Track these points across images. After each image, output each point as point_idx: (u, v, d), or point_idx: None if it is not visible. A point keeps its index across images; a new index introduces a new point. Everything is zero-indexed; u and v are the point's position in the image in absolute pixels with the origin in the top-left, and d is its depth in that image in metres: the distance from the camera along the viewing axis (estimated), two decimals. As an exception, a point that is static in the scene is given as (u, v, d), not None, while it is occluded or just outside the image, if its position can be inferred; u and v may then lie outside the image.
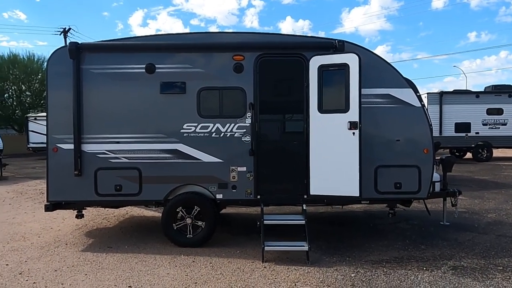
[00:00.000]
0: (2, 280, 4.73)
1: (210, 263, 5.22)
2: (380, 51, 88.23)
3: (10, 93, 35.34)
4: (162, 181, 5.85)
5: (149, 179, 5.85)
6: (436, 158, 6.81)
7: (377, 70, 5.91)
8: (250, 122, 5.84)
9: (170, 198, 5.86)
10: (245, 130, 5.85)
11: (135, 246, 5.93)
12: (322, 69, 5.71)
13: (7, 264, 5.25)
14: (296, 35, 6.01)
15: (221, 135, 5.86)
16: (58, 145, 5.81)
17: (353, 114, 5.58)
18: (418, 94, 6.09)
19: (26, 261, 5.35)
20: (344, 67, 5.61)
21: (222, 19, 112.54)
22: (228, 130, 5.84)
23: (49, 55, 5.86)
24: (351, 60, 5.58)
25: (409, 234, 6.62)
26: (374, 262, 5.24)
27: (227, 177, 5.86)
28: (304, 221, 5.47)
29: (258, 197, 5.87)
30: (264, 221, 5.49)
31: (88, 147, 5.82)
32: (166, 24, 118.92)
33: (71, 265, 5.18)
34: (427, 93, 18.08)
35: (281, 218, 5.68)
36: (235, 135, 5.84)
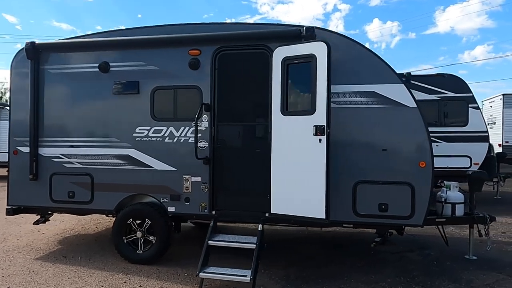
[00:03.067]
0: None
1: (140, 286, 4.56)
2: (480, 51, 79.25)
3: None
4: (114, 189, 5.36)
5: (101, 187, 5.40)
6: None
7: (358, 62, 4.76)
8: (206, 125, 5.09)
9: (121, 209, 5.34)
10: (201, 135, 5.10)
11: (88, 259, 5.51)
12: (286, 62, 4.73)
13: (-45, 268, 5.19)
14: (258, 23, 5.09)
15: (175, 140, 5.19)
16: (18, 148, 5.65)
17: (320, 116, 4.50)
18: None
19: (-26, 266, 5.25)
20: (311, 59, 4.57)
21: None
22: (182, 135, 5.15)
23: (13, 56, 5.76)
24: (319, 49, 4.52)
25: (412, 268, 5.23)
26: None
27: (180, 187, 5.16)
28: (254, 245, 4.52)
29: (213, 212, 5.07)
30: (209, 242, 4.68)
31: (44, 151, 5.57)
32: None
33: (7, 275, 4.92)
34: (503, 95, 15.32)
35: (230, 239, 4.77)
36: (189, 141, 5.12)
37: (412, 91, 9.33)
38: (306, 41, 4.65)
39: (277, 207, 4.78)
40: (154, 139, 5.24)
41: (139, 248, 5.27)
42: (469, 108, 9.46)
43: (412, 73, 9.78)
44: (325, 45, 4.47)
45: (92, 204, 5.43)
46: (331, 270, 5.12)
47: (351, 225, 5.07)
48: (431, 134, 9.17)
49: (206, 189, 5.07)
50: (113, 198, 5.35)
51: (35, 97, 5.53)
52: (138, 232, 5.26)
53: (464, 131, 9.46)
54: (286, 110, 4.73)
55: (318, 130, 4.48)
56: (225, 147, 5.10)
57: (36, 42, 5.54)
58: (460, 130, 9.49)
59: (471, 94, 9.52)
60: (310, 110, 4.56)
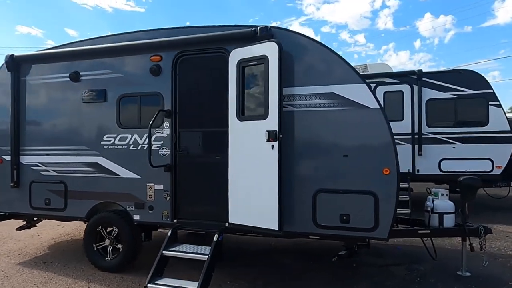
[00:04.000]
0: None
1: (94, 295, 4.55)
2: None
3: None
4: (85, 197, 5.41)
5: (74, 194, 5.47)
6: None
7: (317, 62, 4.43)
8: (168, 132, 4.99)
9: (92, 216, 5.38)
10: (162, 142, 5.02)
11: (63, 265, 5.60)
12: (241, 64, 4.53)
13: None
14: (217, 26, 4.88)
15: (139, 148, 5.14)
16: (3, 156, 5.89)
17: (272, 121, 4.25)
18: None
19: (-40, 269, 5.52)
20: (263, 61, 4.34)
21: (353, 24, 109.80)
22: (146, 142, 5.09)
23: (-2, 68, 6.01)
24: (270, 50, 4.28)
25: (389, 285, 4.78)
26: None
27: (144, 195, 5.10)
28: (206, 257, 4.34)
29: (175, 221, 4.95)
30: (163, 252, 4.56)
31: (25, 159, 5.76)
32: None
33: (-18, 279, 5.12)
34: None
35: (186, 249, 4.61)
36: (152, 148, 5.05)
37: (425, 89, 8.80)
38: (260, 42, 4.40)
39: (234, 216, 4.57)
40: (120, 146, 5.23)
41: (108, 256, 5.27)
42: (490, 106, 8.58)
43: (424, 70, 9.06)
44: (276, 45, 4.22)
45: (65, 212, 5.52)
46: (300, 283, 4.81)
47: (318, 237, 4.74)
48: (447, 135, 8.67)
49: (168, 197, 4.97)
50: (84, 206, 5.41)
51: (15, 107, 5.73)
52: (106, 239, 5.28)
53: (484, 131, 8.60)
54: (241, 115, 4.52)
55: (271, 136, 4.23)
56: (187, 154, 4.97)
57: (15, 54, 5.76)
58: (480, 130, 8.63)
59: (491, 91, 8.64)
60: (263, 114, 4.32)
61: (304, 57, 4.44)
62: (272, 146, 4.22)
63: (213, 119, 4.90)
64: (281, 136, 4.18)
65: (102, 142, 5.32)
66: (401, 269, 5.33)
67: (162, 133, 5.00)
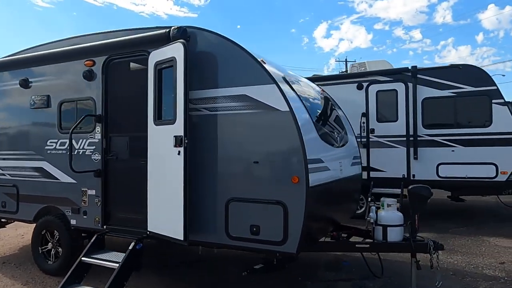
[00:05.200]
0: None
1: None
2: None
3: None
4: (33, 201, 5.53)
5: (24, 198, 5.63)
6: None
7: (229, 62, 4.17)
8: (99, 137, 4.97)
9: (38, 219, 5.50)
10: (94, 147, 5.00)
11: (17, 266, 5.78)
12: (157, 67, 4.39)
13: None
14: (139, 28, 4.76)
15: (75, 153, 5.15)
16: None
17: (179, 126, 4.06)
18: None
19: None
20: (173, 63, 4.16)
21: (408, 19, 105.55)
22: (81, 147, 5.11)
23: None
24: (177, 51, 4.10)
25: (321, 302, 4.38)
26: None
27: (79, 200, 5.11)
28: (116, 265, 4.23)
29: (105, 227, 4.90)
30: (82, 258, 4.52)
31: (-12, 164, 6.03)
32: (349, 32, 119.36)
33: None
34: None
35: (103, 257, 4.53)
36: (86, 153, 5.05)
37: (421, 87, 8.10)
38: (172, 43, 4.23)
39: (151, 224, 4.42)
40: (60, 151, 5.29)
41: (51, 259, 5.35)
42: (493, 104, 7.67)
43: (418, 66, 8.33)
44: (182, 46, 4.03)
45: (18, 214, 5.70)
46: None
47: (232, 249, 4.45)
48: (445, 137, 7.90)
49: (99, 203, 4.94)
50: (32, 209, 5.53)
51: (-20, 114, 6.02)
52: (49, 243, 5.37)
53: (487, 132, 7.70)
54: (157, 119, 4.38)
55: (177, 141, 4.04)
56: (116, 160, 4.90)
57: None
58: (482, 131, 7.74)
59: (495, 87, 7.71)
60: (172, 119, 4.14)
61: (217, 58, 4.20)
62: (179, 152, 4.03)
63: (139, 124, 4.78)
64: (186, 141, 3.97)
65: (46, 147, 5.42)
66: (346, 285, 4.87)
67: (94, 138, 4.99)
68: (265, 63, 4.14)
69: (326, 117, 4.93)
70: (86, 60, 5.04)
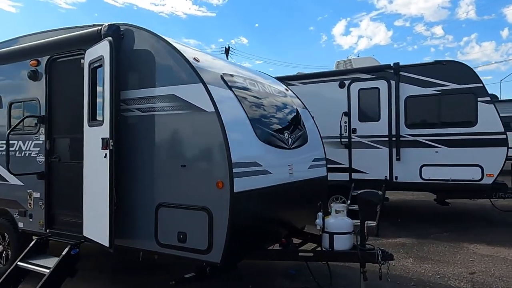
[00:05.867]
0: None
1: (-45, 303, 4.53)
2: None
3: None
4: (-13, 203, 5.48)
5: (-20, 199, 5.58)
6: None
7: (159, 60, 3.97)
8: (43, 139, 4.85)
9: (-9, 222, 5.44)
10: (39, 148, 4.89)
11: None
12: (91, 66, 4.23)
13: None
14: (76, 27, 4.60)
15: (22, 154, 5.07)
16: None
17: (106, 127, 3.89)
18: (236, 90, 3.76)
19: None
20: (101, 61, 3.99)
21: (430, 15, 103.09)
22: (27, 149, 5.01)
23: None
24: (104, 49, 3.92)
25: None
26: None
27: (25, 203, 5.01)
28: (47, 271, 4.09)
29: (48, 231, 4.78)
30: (18, 263, 4.41)
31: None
32: (368, 29, 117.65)
33: None
34: None
35: (39, 262, 4.39)
36: (32, 155, 4.95)
37: (404, 85, 7.74)
38: (101, 41, 4.06)
39: (86, 229, 4.27)
40: (10, 153, 5.20)
41: (2, 262, 5.28)
42: (479, 103, 7.23)
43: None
44: (108, 43, 3.86)
45: (-26, 216, 5.65)
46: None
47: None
48: (428, 138, 7.51)
49: (43, 206, 4.82)
50: (-14, 211, 5.48)
51: None
52: (0, 245, 5.30)
53: (473, 132, 7.27)
54: (91, 120, 4.22)
55: (104, 144, 3.87)
56: (59, 162, 4.77)
57: None
58: (467, 131, 7.32)
59: (480, 85, 7.27)
60: (101, 120, 3.97)
61: (148, 56, 4.01)
62: (105, 155, 3.86)
63: (79, 125, 4.64)
64: (112, 144, 3.80)
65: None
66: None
67: (39, 140, 4.88)
68: (198, 61, 3.93)
69: (274, 118, 4.67)
70: (31, 60, 4.93)
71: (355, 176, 8.26)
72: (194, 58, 3.93)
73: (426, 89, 7.63)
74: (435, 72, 7.59)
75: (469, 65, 7.87)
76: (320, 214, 4.34)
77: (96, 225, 4.03)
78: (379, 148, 8.03)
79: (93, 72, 4.21)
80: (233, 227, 3.50)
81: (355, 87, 8.31)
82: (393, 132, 7.88)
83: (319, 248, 4.49)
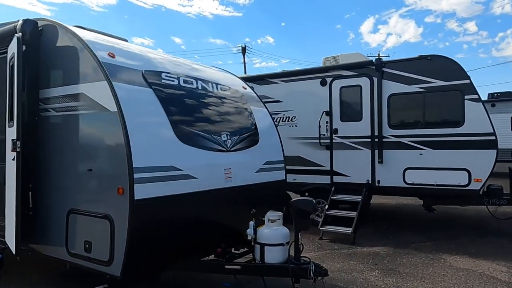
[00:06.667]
0: None
1: None
2: None
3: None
4: None
5: None
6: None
7: (72, 57, 3.72)
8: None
9: None
10: (-25, 149, 4.75)
11: None
12: (10, 63, 4.03)
13: None
14: (2, 23, 4.41)
15: (-38, 156, 4.95)
16: None
17: (15, 128, 3.69)
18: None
19: None
20: (13, 58, 3.78)
21: (462, 11, 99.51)
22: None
23: None
24: (13, 46, 3.72)
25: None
26: None
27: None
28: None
29: (-20, 235, 4.64)
30: None
31: None
32: (398, 26, 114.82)
33: None
34: None
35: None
36: (-31, 156, 4.82)
37: (387, 82, 7.24)
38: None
39: (6, 233, 4.08)
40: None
41: None
42: (466, 101, 6.61)
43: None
44: (16, 40, 3.66)
45: None
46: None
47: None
48: (412, 139, 6.97)
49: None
50: None
51: None
52: None
53: (459, 133, 6.66)
54: (9, 120, 4.02)
55: (13, 146, 3.66)
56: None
57: None
58: (453, 132, 6.71)
59: (468, 81, 6.64)
60: (13, 121, 3.76)
61: (63, 53, 3.80)
62: (13, 158, 3.65)
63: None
64: (19, 146, 3.59)
65: None
66: (231, 310, 4.27)
67: (-26, 141, 4.74)
68: (113, 56, 3.65)
69: (209, 118, 4.33)
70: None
71: (336, 179, 7.79)
72: (109, 54, 3.65)
73: (410, 87, 7.07)
74: (420, 68, 7.02)
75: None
76: (251, 223, 3.98)
77: (9, 229, 3.83)
78: (361, 149, 7.53)
79: (11, 70, 4.02)
80: (133, 238, 3.20)
81: (337, 84, 7.84)
82: (376, 133, 7.36)
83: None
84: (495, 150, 6.40)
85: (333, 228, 6.99)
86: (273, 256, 3.84)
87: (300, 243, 3.85)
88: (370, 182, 7.40)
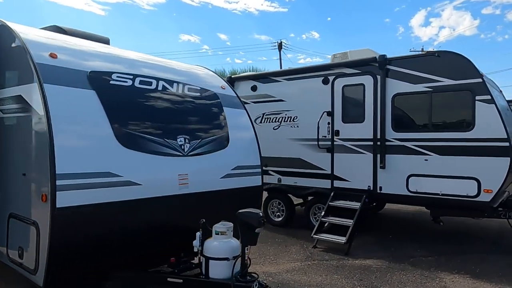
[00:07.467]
0: None
1: None
2: None
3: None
4: None
5: None
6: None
7: (16, 58, 3.66)
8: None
9: None
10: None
11: None
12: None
13: None
14: None
15: None
16: None
17: (-41, 130, 3.68)
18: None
19: None
20: (-37, 60, 3.78)
21: None
22: None
23: None
24: (-40, 47, 3.70)
25: None
26: None
27: None
28: None
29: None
30: None
31: None
32: (451, 19, 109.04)
33: None
34: None
35: None
36: None
37: (391, 80, 6.72)
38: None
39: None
40: None
41: None
42: (477, 102, 5.90)
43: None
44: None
45: None
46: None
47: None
48: (417, 143, 6.40)
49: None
50: None
51: None
52: None
53: (469, 138, 5.97)
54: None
55: (-43, 147, 3.66)
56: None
57: None
58: (463, 136, 6.03)
59: (479, 80, 5.91)
60: (-39, 122, 3.77)
61: (9, 53, 3.74)
62: (-43, 159, 3.65)
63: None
64: (-39, 148, 3.58)
65: None
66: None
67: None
68: (54, 57, 3.54)
69: (164, 121, 4.11)
70: None
71: (337, 184, 7.33)
72: (50, 55, 3.54)
73: (416, 86, 6.45)
74: (427, 65, 6.38)
75: None
76: (198, 233, 3.73)
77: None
78: (363, 153, 7.01)
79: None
80: (54, 248, 3.07)
81: (339, 83, 7.35)
82: (378, 136, 6.81)
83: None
84: (509, 158, 5.67)
85: (326, 237, 6.57)
86: (217, 271, 3.58)
87: (247, 257, 3.55)
88: (371, 188, 6.88)
